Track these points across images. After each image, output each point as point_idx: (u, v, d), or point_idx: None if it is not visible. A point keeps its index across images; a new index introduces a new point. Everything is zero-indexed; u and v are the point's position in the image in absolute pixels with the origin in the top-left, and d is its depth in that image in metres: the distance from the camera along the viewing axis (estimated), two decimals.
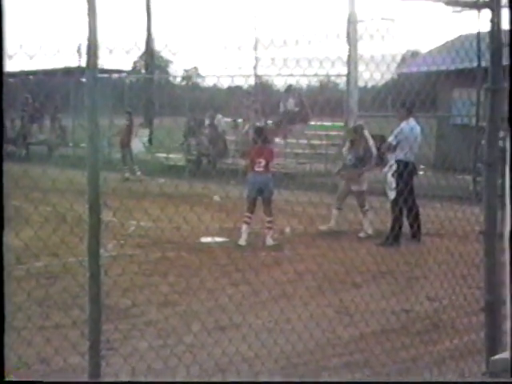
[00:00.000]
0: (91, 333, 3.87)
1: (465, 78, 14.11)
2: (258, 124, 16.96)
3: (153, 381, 5.15)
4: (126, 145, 20.44)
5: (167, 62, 41.45)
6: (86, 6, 3.63)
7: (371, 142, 11.95)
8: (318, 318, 6.24)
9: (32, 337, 5.70)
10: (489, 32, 4.58)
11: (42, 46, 4.13)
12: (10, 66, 3.99)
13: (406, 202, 10.20)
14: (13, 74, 24.51)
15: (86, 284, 3.78)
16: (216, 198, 13.40)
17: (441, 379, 5.53)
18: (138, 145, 21.41)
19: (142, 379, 5.14)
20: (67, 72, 22.19)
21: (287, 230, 11.44)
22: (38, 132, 27.33)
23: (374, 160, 11.90)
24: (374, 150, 11.88)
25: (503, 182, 4.02)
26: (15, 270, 7.98)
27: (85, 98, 3.75)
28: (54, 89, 24.10)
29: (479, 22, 5.23)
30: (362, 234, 11.26)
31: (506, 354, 3.85)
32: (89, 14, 3.64)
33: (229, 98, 22.22)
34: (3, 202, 3.11)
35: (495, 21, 4.51)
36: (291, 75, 6.51)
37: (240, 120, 21.32)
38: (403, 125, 10.93)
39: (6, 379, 3.15)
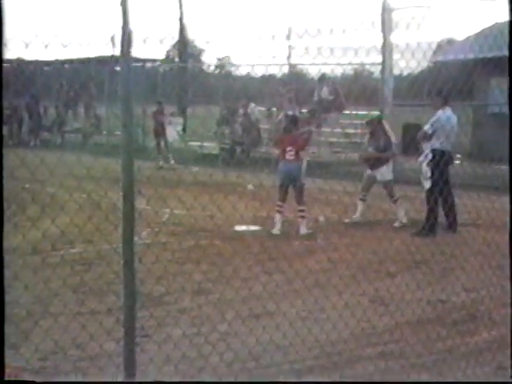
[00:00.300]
0: (126, 320, 3.88)
1: (503, 67, 13.89)
2: (290, 112, 16.86)
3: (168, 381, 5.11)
4: (160, 133, 20.51)
5: (200, 51, 41.45)
6: None
7: (390, 131, 11.85)
8: (353, 307, 6.19)
9: (68, 323, 5.73)
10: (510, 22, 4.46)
11: (77, 35, 4.13)
12: (45, 55, 4.03)
13: (442, 191, 10.07)
14: (48, 63, 24.78)
15: (121, 271, 3.78)
16: (250, 186, 13.38)
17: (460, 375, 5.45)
18: (172, 133, 21.46)
19: (177, 366, 5.14)
20: (101, 61, 22.37)
21: (321, 218, 11.39)
22: (73, 120, 27.54)
23: (394, 148, 11.79)
24: (393, 139, 11.78)
25: None
26: (50, 256, 8.06)
27: (119, 87, 3.74)
28: (88, 77, 24.29)
29: None
30: (396, 224, 11.15)
31: None
32: (122, 4, 3.64)
33: (262, 87, 22.14)
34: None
35: None
36: (325, 64, 6.44)
37: (274, 109, 21.25)
38: (439, 113, 10.78)
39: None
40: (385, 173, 11.51)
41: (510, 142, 4.26)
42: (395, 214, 11.39)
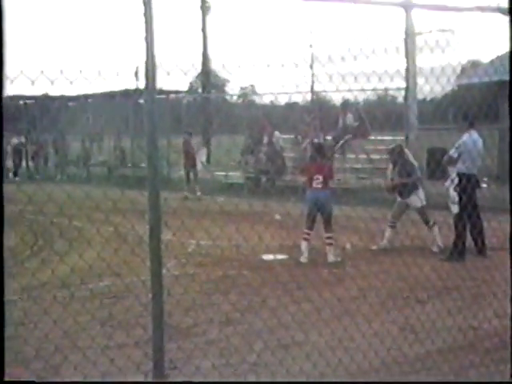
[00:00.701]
0: (155, 352, 3.86)
1: None
2: (316, 140, 16.85)
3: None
4: (190, 164, 20.48)
5: (224, 81, 41.77)
6: (143, 28, 3.66)
7: (411, 157, 11.74)
8: (383, 335, 6.11)
9: (97, 357, 5.72)
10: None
11: (100, 68, 4.16)
12: (70, 91, 4.08)
13: (470, 216, 9.97)
14: (72, 98, 25.06)
15: (148, 304, 3.77)
16: (277, 216, 13.34)
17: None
18: (200, 163, 21.51)
19: None
20: (125, 94, 22.60)
21: (348, 246, 11.32)
22: (98, 153, 27.82)
23: (417, 173, 11.67)
24: (415, 164, 11.68)
25: None
26: (79, 290, 8.08)
27: (144, 120, 3.76)
28: (112, 111, 24.53)
29: None
30: (435, 249, 11.03)
31: None
32: (146, 37, 3.66)
33: (286, 115, 22.20)
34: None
35: None
36: (350, 90, 6.44)
37: (299, 136, 21.27)
38: (465, 137, 10.71)
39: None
40: (415, 201, 11.40)
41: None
42: (430, 239, 11.24)
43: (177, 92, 25.78)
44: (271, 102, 23.68)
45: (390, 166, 12.04)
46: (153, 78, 3.74)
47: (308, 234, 10.63)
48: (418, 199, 11.39)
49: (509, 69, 3.97)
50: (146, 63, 3.70)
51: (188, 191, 19.62)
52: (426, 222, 11.33)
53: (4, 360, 3.08)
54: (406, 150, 11.92)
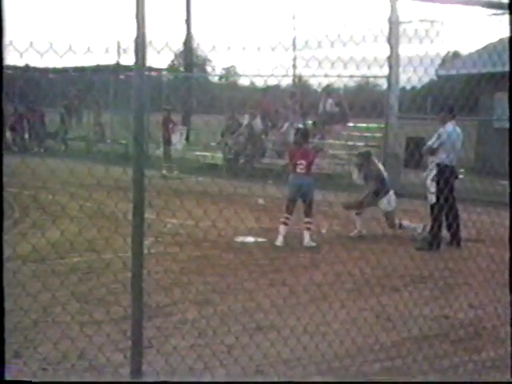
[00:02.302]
0: (133, 330, 3.88)
1: (507, 82, 13.90)
2: (300, 125, 16.86)
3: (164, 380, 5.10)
4: (167, 141, 20.42)
5: (205, 60, 41.52)
6: (134, 6, 3.62)
7: (380, 167, 11.60)
8: (360, 322, 6.18)
9: (75, 333, 5.71)
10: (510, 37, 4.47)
11: (82, 42, 4.12)
12: (50, 62, 4.02)
13: (447, 206, 10.06)
14: (53, 70, 24.79)
15: (128, 281, 3.79)
16: (260, 200, 13.36)
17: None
18: (182, 141, 21.40)
19: (183, 379, 5.13)
20: (104, 69, 22.32)
21: (323, 231, 11.39)
22: (77, 128, 27.60)
23: (387, 185, 11.41)
24: (384, 175, 11.53)
25: None
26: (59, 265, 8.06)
27: (132, 97, 3.74)
28: (92, 85, 24.30)
29: None
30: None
31: None
32: (137, 14, 3.63)
33: (267, 98, 22.15)
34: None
35: None
36: (339, 76, 6.43)
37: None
38: (444, 128, 10.78)
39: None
40: (384, 204, 11.29)
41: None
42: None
43: (158, 70, 25.58)
44: (252, 83, 23.58)
45: (356, 171, 11.86)
46: (142, 55, 3.71)
47: (287, 219, 10.66)
48: (387, 204, 11.34)
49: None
50: (136, 40, 3.67)
51: (166, 169, 19.57)
52: (391, 226, 11.25)
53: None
54: (374, 158, 11.74)
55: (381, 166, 11.59)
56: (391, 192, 11.42)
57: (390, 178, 11.74)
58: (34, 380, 4.85)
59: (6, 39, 3.08)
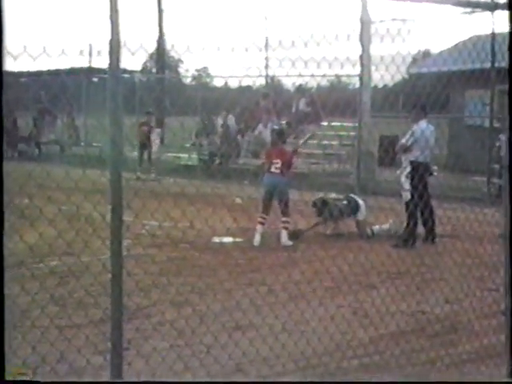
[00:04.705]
0: (113, 332, 3.88)
1: (477, 79, 14.08)
2: (275, 126, 16.91)
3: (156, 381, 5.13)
4: (145, 145, 20.37)
5: (178, 62, 41.46)
6: (108, 7, 3.63)
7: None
8: (338, 319, 6.23)
9: (54, 336, 5.70)
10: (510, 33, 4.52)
11: (53, 45, 4.12)
12: (21, 66, 4.01)
13: (421, 202, 10.16)
14: (25, 74, 24.57)
15: (107, 283, 3.79)
16: (238, 200, 13.38)
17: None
18: (156, 143, 21.36)
19: (163, 379, 5.15)
20: (77, 72, 22.17)
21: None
22: (51, 131, 27.38)
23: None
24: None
25: None
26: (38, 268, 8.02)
27: (107, 99, 3.74)
28: (65, 88, 24.11)
29: (494, 23, 5.23)
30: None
31: None
32: (111, 16, 3.64)
33: (242, 99, 22.15)
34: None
35: None
36: (312, 75, 6.49)
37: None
38: (416, 126, 10.89)
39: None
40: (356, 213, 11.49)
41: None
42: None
43: (130, 72, 25.46)
44: (225, 84, 23.57)
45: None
46: (117, 57, 3.71)
47: (264, 218, 10.70)
48: (359, 213, 11.48)
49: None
50: (111, 42, 3.67)
51: (141, 172, 19.52)
52: (361, 236, 11.26)
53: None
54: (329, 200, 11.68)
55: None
56: (361, 202, 11.51)
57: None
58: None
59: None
